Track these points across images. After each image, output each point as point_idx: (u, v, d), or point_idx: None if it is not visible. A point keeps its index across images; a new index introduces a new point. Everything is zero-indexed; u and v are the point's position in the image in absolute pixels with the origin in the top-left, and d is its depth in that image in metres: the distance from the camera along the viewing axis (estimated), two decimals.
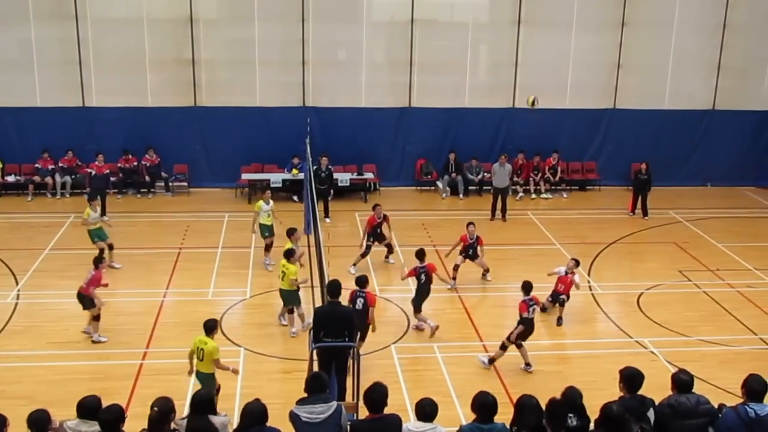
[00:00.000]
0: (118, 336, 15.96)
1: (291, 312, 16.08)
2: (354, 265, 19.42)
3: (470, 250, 19.00)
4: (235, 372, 13.21)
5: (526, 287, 14.96)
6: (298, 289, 15.93)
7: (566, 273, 17.25)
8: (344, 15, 26.46)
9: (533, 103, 21.93)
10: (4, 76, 25.24)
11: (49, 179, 25.44)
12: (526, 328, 14.69)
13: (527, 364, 14.85)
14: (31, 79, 25.45)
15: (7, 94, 25.31)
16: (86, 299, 15.54)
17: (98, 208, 20.05)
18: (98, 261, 15.97)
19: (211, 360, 12.56)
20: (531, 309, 14.70)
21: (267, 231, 19.72)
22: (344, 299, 13.85)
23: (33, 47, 25.27)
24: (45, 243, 20.95)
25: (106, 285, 15.98)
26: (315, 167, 23.36)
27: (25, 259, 19.80)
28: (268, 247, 19.81)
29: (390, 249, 20.26)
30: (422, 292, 16.50)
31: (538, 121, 26.68)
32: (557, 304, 17.26)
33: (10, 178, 25.64)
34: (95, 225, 19.48)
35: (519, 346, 14.74)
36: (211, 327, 12.76)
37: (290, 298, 15.99)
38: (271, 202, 19.99)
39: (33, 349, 15.27)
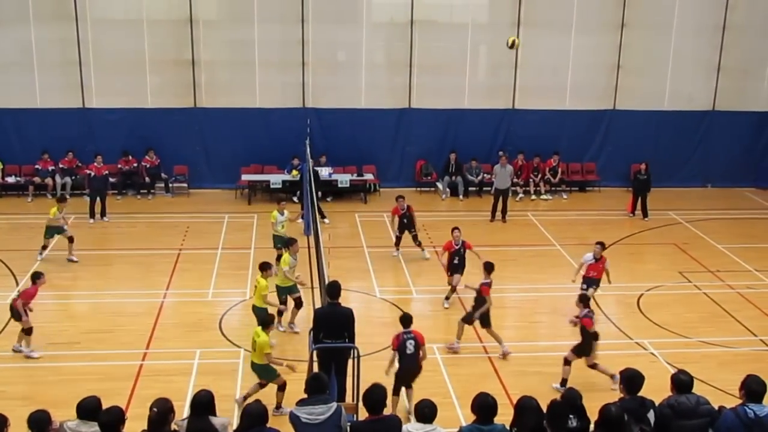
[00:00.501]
0: (118, 337, 15.96)
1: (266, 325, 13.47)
2: (397, 249, 20.77)
3: (456, 258, 17.67)
4: (291, 368, 13.05)
5: (585, 300, 14.29)
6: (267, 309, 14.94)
7: (595, 259, 17.14)
8: (344, 16, 26.48)
9: (513, 45, 21.39)
10: (4, 77, 25.27)
11: (49, 180, 25.45)
12: (588, 342, 14.01)
13: (613, 376, 13.67)
14: (31, 80, 25.47)
15: (7, 95, 25.34)
16: (15, 312, 15.07)
17: (63, 210, 20.23)
18: (36, 276, 15.41)
19: (263, 353, 12.74)
20: (594, 321, 14.09)
21: (280, 242, 18.70)
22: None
23: (33, 48, 25.29)
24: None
25: (30, 308, 15.23)
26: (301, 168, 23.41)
27: (25, 260, 19.79)
28: (279, 258, 18.57)
29: (416, 240, 20.70)
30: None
31: (538, 122, 26.72)
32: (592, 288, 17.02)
33: (10, 179, 25.66)
34: (57, 223, 19.93)
35: (593, 366, 14.13)
36: (267, 321, 13.03)
37: (261, 317, 14.19)
38: (286, 212, 19.39)
39: (33, 350, 15.25)
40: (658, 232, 23.21)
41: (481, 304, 15.31)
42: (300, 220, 21.58)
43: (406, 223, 20.60)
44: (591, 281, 17.20)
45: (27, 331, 15.08)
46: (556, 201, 26.62)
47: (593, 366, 14.08)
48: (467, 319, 15.57)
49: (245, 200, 25.56)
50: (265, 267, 15.34)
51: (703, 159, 28.05)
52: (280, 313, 16.04)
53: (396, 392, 12.80)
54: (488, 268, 15.48)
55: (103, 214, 23.29)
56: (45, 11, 25.14)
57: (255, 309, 15.05)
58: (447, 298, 17.80)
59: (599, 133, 27.66)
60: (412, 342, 12.77)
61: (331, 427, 8.37)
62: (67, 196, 21.04)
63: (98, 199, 23.26)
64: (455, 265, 17.70)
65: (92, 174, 23.49)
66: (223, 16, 26.79)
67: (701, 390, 9.26)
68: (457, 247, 17.68)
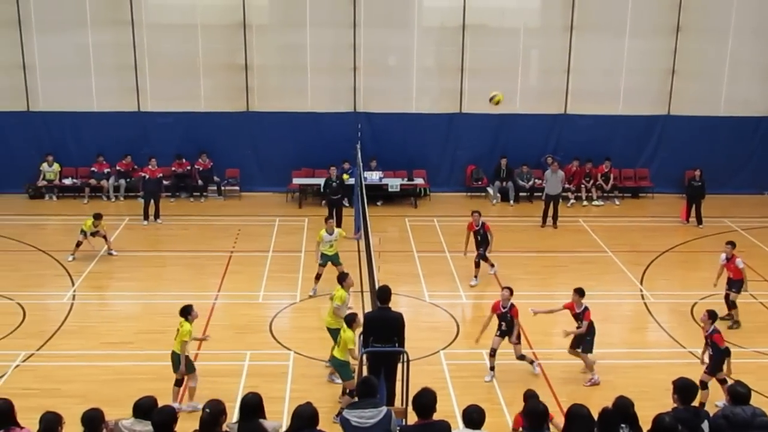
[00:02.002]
0: (170, 337, 16.04)
1: (350, 323, 13.35)
2: (475, 277, 19.34)
3: (478, 236, 19.09)
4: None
5: (713, 316, 13.76)
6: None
7: (727, 259, 16.96)
8: (395, 20, 26.51)
9: (497, 102, 20.43)
10: (62, 81, 25.75)
11: (104, 182, 25.87)
12: (719, 359, 13.52)
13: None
14: (88, 83, 25.92)
15: (65, 99, 25.85)
16: None
17: (99, 226, 20.66)
18: None
19: (346, 348, 12.89)
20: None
21: (326, 260, 18.26)
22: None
23: (90, 53, 25.73)
24: (100, 245, 21.26)
25: None
26: (327, 176, 23.37)
27: (81, 261, 20.15)
28: (319, 276, 18.41)
29: (484, 259, 19.32)
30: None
31: (590, 127, 26.49)
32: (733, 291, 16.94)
33: (67, 181, 26.13)
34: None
35: (723, 382, 13.51)
36: (350, 320, 13.10)
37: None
38: (336, 231, 18.54)
39: (87, 349, 15.53)
40: (713, 239, 22.82)
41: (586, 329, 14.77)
42: (356, 236, 20.53)
43: (479, 240, 19.22)
44: (732, 283, 17.11)
45: None
46: (608, 207, 26.35)
47: (723, 381, 13.35)
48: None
49: (296, 204, 25.71)
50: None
51: (760, 166, 27.52)
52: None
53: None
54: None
55: (156, 216, 23.59)
56: (102, 16, 25.58)
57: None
58: (475, 276, 19.23)
59: (653, 138, 27.30)
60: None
61: (381, 430, 8.38)
62: (102, 215, 21.00)
63: (152, 201, 23.59)
64: (478, 242, 19.18)
65: (146, 176, 23.85)
66: (276, 20, 26.98)
67: (757, 401, 9.10)
68: (477, 228, 19.09)
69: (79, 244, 20.32)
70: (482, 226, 19.12)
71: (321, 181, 25.38)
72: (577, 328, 14.67)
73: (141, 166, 24.90)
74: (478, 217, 19.14)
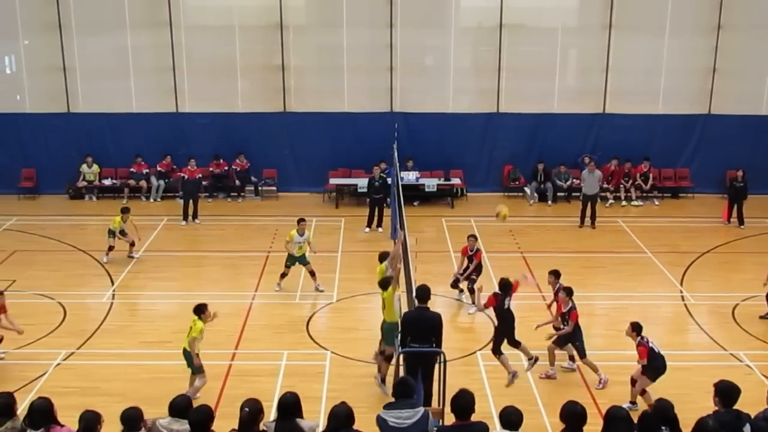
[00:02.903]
0: (208, 337, 16.10)
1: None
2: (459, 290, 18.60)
3: (470, 262, 17.76)
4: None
5: (637, 328, 13.12)
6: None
7: None
8: (432, 20, 26.45)
9: (504, 218, 18.54)
10: (102, 83, 26.05)
11: (143, 183, 26.12)
12: (654, 371, 13.07)
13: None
14: (127, 85, 26.20)
15: (105, 100, 26.16)
16: None
17: (128, 220, 20.47)
18: None
19: (392, 309, 13.59)
20: (652, 347, 13.06)
21: (294, 261, 18.55)
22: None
23: (129, 54, 26.00)
24: (139, 245, 21.45)
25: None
26: (370, 176, 23.37)
27: (120, 261, 20.34)
28: (284, 275, 18.70)
29: (470, 291, 17.66)
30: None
31: (629, 127, 26.24)
32: None
33: (107, 182, 26.42)
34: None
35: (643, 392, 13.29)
36: (386, 282, 13.81)
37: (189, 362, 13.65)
38: (307, 234, 18.79)
39: (126, 348, 15.65)
40: (755, 240, 22.50)
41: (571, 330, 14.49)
42: (316, 253, 19.55)
43: (473, 267, 17.94)
44: None
45: None
46: (648, 207, 26.08)
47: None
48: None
49: (332, 204, 25.76)
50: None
51: None
52: None
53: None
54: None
55: (194, 216, 23.76)
56: (141, 19, 25.84)
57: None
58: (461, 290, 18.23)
59: (693, 138, 26.96)
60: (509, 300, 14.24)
61: (418, 431, 8.34)
62: (129, 208, 21.06)
63: (191, 201, 23.75)
64: (468, 268, 17.90)
65: (185, 177, 24.03)
66: (313, 21, 27.07)
67: None
68: (470, 253, 17.82)
69: (111, 248, 20.36)
70: (475, 252, 17.78)
71: (358, 181, 25.48)
72: (562, 328, 14.55)
73: (180, 166, 25.10)
74: (473, 242, 17.87)
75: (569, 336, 14.37)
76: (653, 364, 13.04)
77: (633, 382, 13.37)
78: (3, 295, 15.19)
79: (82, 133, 26.32)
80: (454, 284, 18.18)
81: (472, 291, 17.07)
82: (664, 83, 26.50)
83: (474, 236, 18.24)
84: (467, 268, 17.83)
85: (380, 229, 23.02)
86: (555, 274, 15.31)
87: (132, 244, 20.60)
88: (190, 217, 23.74)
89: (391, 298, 13.52)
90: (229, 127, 26.38)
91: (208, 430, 8.19)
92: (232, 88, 26.38)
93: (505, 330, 14.41)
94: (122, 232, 20.45)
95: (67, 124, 26.29)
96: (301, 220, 18.86)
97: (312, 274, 18.64)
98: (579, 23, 27.00)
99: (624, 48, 26.06)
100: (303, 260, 18.66)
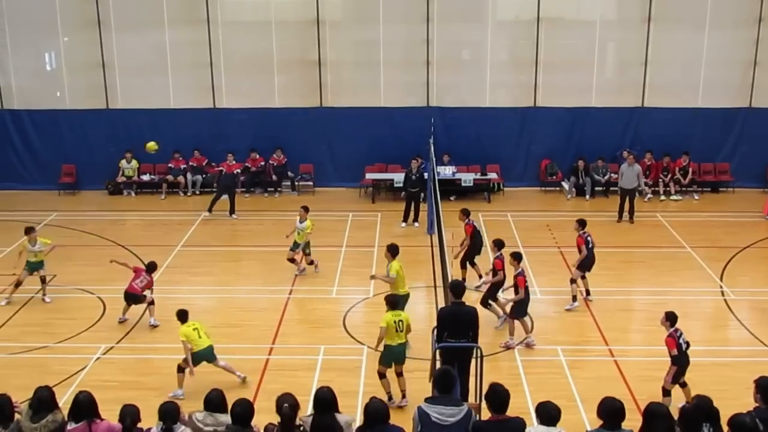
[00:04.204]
0: (245, 331, 16.36)
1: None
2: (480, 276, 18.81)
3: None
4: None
5: (672, 318, 12.98)
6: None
7: None
8: (469, 15, 26.32)
9: None
10: (141, 78, 26.30)
11: (181, 178, 26.33)
12: (679, 367, 12.87)
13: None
14: (165, 81, 26.41)
15: (143, 96, 26.39)
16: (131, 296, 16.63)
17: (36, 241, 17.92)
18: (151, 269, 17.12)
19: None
20: (680, 343, 12.87)
21: (296, 246, 19.12)
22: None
23: (167, 51, 26.20)
24: (177, 240, 21.65)
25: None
26: (407, 169, 23.34)
27: (159, 256, 20.37)
28: (293, 260, 19.37)
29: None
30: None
31: (669, 121, 25.95)
32: None
33: (145, 177, 26.67)
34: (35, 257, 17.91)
35: (683, 385, 13.19)
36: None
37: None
38: (307, 221, 18.99)
39: (165, 342, 15.77)
40: None
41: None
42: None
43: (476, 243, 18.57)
44: None
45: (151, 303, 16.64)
46: (687, 202, 25.78)
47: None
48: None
49: (369, 199, 25.78)
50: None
51: None
52: None
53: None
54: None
55: (231, 211, 23.88)
56: (179, 15, 26.03)
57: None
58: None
59: (734, 132, 26.58)
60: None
61: (460, 430, 8.26)
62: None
63: (227, 196, 23.85)
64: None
65: (223, 171, 24.21)
66: (349, 16, 27.07)
67: None
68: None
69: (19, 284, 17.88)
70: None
71: (394, 176, 25.47)
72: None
73: (216, 161, 25.28)
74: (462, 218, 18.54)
75: (523, 301, 15.52)
76: (677, 359, 12.82)
77: (681, 384, 13.17)
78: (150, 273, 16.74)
79: (121, 129, 26.58)
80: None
81: (487, 305, 16.54)
82: (704, 76, 26.15)
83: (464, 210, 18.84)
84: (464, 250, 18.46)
85: (417, 224, 23.00)
86: (515, 257, 15.91)
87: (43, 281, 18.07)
88: (223, 212, 23.80)
89: (392, 321, 13.17)
90: (266, 123, 26.49)
91: (249, 423, 8.26)
92: (269, 84, 26.48)
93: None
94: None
95: (107, 120, 26.57)
96: (303, 207, 19.42)
97: (307, 260, 19.42)
98: (617, 16, 26.73)
99: (663, 41, 25.75)
100: (305, 248, 19.13)
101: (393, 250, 15.55)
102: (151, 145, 20.88)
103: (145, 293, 16.57)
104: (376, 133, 26.42)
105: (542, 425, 8.20)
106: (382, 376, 13.36)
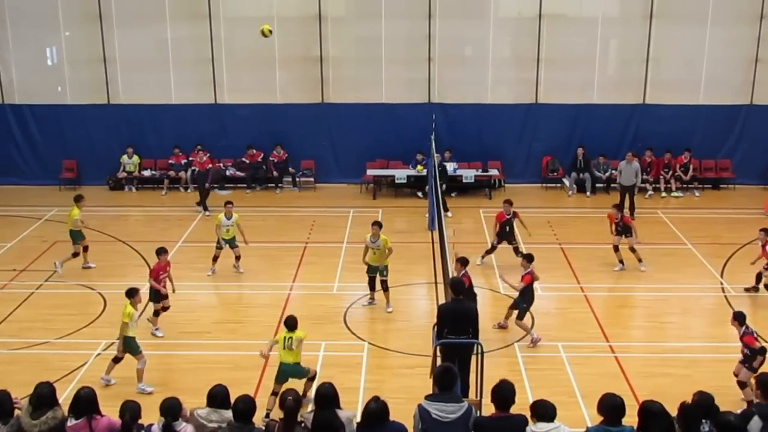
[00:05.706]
0: (247, 327, 16.36)
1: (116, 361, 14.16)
2: (482, 257, 19.57)
3: (507, 226, 19.23)
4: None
5: (740, 318, 13.27)
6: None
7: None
8: (471, 11, 26.28)
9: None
10: (142, 74, 26.28)
11: (182, 174, 26.32)
12: (764, 357, 13.02)
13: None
14: (167, 77, 26.39)
15: (144, 92, 26.36)
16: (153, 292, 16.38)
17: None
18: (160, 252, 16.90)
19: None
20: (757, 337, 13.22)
21: (224, 243, 19.09)
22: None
23: (169, 46, 26.18)
24: (178, 236, 21.65)
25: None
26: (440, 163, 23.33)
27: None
28: (216, 258, 19.26)
29: (517, 252, 18.96)
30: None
31: (670, 118, 25.93)
32: None
33: (146, 173, 26.67)
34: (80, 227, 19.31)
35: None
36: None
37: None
38: (234, 217, 19.09)
39: (166, 338, 15.81)
40: None
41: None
42: (247, 243, 19.62)
43: (508, 231, 19.39)
44: None
45: (155, 313, 16.16)
46: (688, 198, 25.77)
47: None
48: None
49: (370, 195, 25.77)
50: (132, 293, 14.21)
51: None
52: None
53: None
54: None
55: (203, 207, 23.81)
56: (180, 10, 26.01)
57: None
58: (483, 257, 19.62)
59: (735, 129, 26.55)
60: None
61: (461, 426, 8.24)
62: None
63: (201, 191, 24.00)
64: (506, 232, 19.37)
65: (196, 170, 24.34)
66: (351, 12, 27.05)
67: None
68: (508, 217, 19.21)
69: (76, 255, 19.48)
70: (513, 215, 19.30)
71: (395, 172, 25.46)
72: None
73: (219, 157, 25.29)
74: (509, 207, 19.30)
75: (521, 297, 15.52)
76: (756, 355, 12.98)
77: (742, 383, 13.18)
78: (166, 253, 16.73)
79: (122, 124, 26.57)
80: (490, 250, 19.59)
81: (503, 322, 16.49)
82: (706, 73, 26.12)
83: (509, 201, 19.67)
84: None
85: (449, 214, 22.99)
86: (527, 258, 15.99)
87: (85, 249, 19.72)
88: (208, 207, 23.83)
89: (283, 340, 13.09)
90: (267, 119, 26.47)
91: (251, 419, 8.26)
92: (270, 80, 26.46)
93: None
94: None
95: (108, 115, 26.54)
96: (227, 203, 19.37)
97: (237, 257, 19.28)
98: (619, 13, 26.69)
99: (665, 38, 25.72)
100: (232, 243, 19.10)
101: (380, 225, 17.04)
102: (266, 27, 19.88)
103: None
104: (377, 130, 26.40)
105: (540, 422, 8.19)
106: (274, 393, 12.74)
